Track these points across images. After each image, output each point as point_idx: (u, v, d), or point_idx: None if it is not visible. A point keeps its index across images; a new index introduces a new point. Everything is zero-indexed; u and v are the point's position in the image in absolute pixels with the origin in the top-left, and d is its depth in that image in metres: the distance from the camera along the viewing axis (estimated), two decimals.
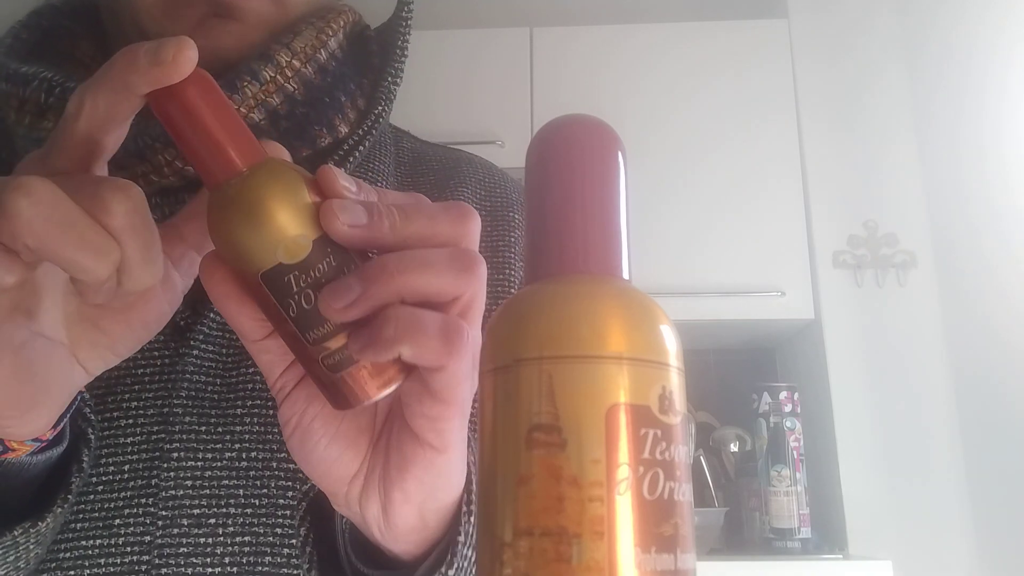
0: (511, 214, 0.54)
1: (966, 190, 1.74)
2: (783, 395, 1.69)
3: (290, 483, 0.40)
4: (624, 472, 0.18)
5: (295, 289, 0.27)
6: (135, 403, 0.41)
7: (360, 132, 0.49)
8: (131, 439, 0.40)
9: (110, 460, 0.40)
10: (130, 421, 0.41)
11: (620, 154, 0.23)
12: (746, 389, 1.79)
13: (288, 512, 0.40)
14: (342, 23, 0.48)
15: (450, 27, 2.04)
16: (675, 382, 0.19)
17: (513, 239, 0.52)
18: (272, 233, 0.27)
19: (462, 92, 1.94)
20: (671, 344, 0.20)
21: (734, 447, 1.85)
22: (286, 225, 0.27)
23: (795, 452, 1.65)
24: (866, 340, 1.78)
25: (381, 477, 0.31)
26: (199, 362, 0.42)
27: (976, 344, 1.70)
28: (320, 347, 0.28)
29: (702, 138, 1.89)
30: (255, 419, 0.41)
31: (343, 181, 0.28)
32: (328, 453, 0.31)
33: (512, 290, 0.50)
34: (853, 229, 1.84)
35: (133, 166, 0.41)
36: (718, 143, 1.88)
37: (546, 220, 0.22)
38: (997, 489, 1.64)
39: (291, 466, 0.40)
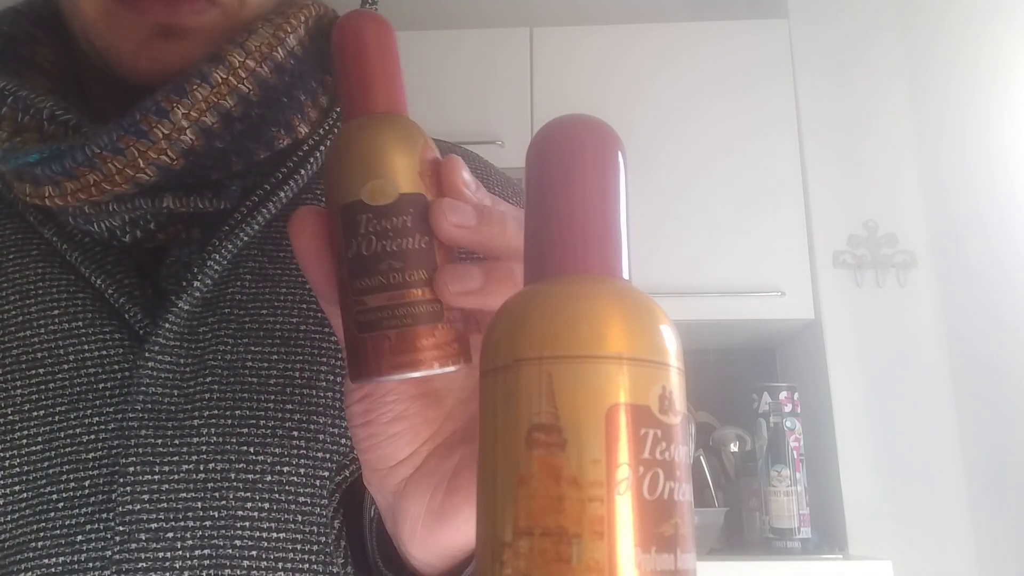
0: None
1: (966, 190, 1.74)
2: (783, 395, 1.69)
3: (248, 494, 0.39)
4: (624, 472, 0.18)
5: (361, 230, 0.28)
6: (96, 418, 0.40)
7: (321, 131, 0.48)
8: (92, 454, 0.40)
9: (71, 476, 0.39)
10: (91, 436, 0.40)
11: (620, 154, 0.22)
12: (746, 389, 1.79)
13: (247, 524, 0.39)
14: (303, 18, 0.46)
15: (450, 27, 2.04)
16: (675, 382, 0.19)
17: None
18: (365, 168, 0.28)
19: (462, 92, 1.94)
20: (671, 344, 0.20)
21: (734, 447, 1.85)
22: (381, 167, 0.28)
23: (795, 452, 1.65)
24: (866, 340, 1.78)
25: (447, 484, 0.31)
26: (155, 374, 0.41)
27: (976, 344, 1.70)
28: (359, 299, 0.28)
29: (702, 138, 1.89)
30: (212, 430, 0.40)
31: (464, 176, 0.29)
32: (386, 428, 0.31)
33: None
34: (853, 229, 1.85)
35: (84, 175, 0.41)
36: (718, 143, 1.88)
37: (546, 220, 0.22)
38: (996, 489, 1.64)
39: (249, 477, 0.39)
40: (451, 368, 0.28)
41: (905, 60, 1.94)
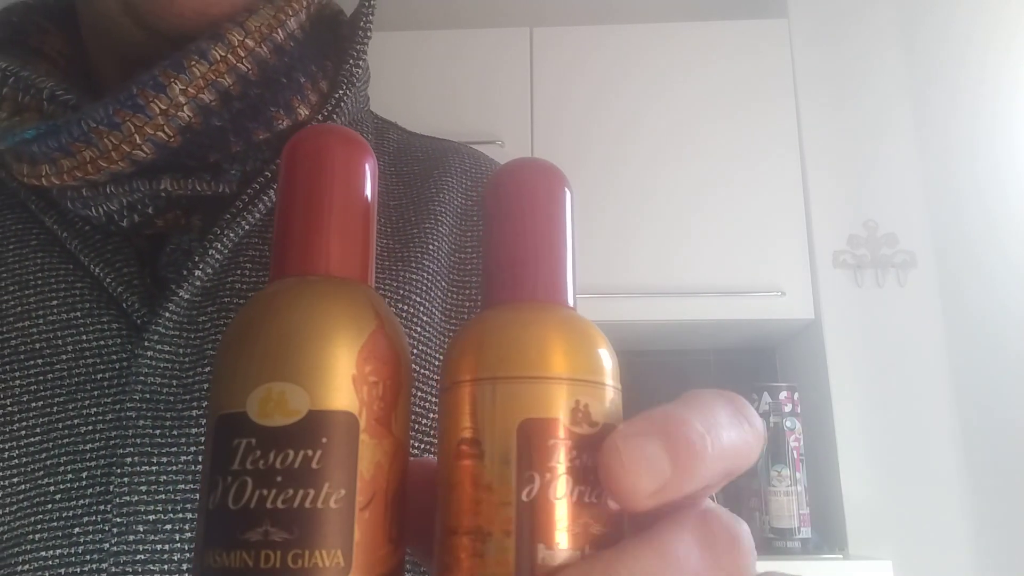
0: None
1: (966, 190, 1.74)
2: (783, 395, 1.69)
3: None
4: (531, 478, 0.19)
5: (235, 464, 0.18)
6: (95, 409, 0.40)
7: (321, 116, 0.47)
8: (90, 446, 0.39)
9: (68, 468, 0.39)
10: (89, 428, 0.39)
11: (567, 193, 0.24)
12: (746, 389, 1.79)
13: None
14: (305, 3, 0.47)
15: (450, 27, 2.04)
16: (594, 395, 0.21)
17: None
18: (266, 361, 0.19)
19: (462, 92, 1.94)
20: (593, 362, 0.21)
21: None
22: (292, 363, 0.19)
23: (795, 452, 1.65)
24: (866, 340, 1.78)
25: None
26: (154, 363, 0.40)
27: (976, 344, 1.70)
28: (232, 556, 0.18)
29: (702, 137, 1.89)
30: None
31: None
32: None
33: None
34: (853, 229, 1.84)
35: (79, 151, 0.40)
36: (718, 143, 1.88)
37: (492, 253, 0.24)
38: (997, 489, 1.64)
39: None
40: None
41: (905, 61, 1.94)
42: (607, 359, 0.22)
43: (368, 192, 0.23)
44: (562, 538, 0.19)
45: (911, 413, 1.74)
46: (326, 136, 0.23)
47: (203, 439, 0.39)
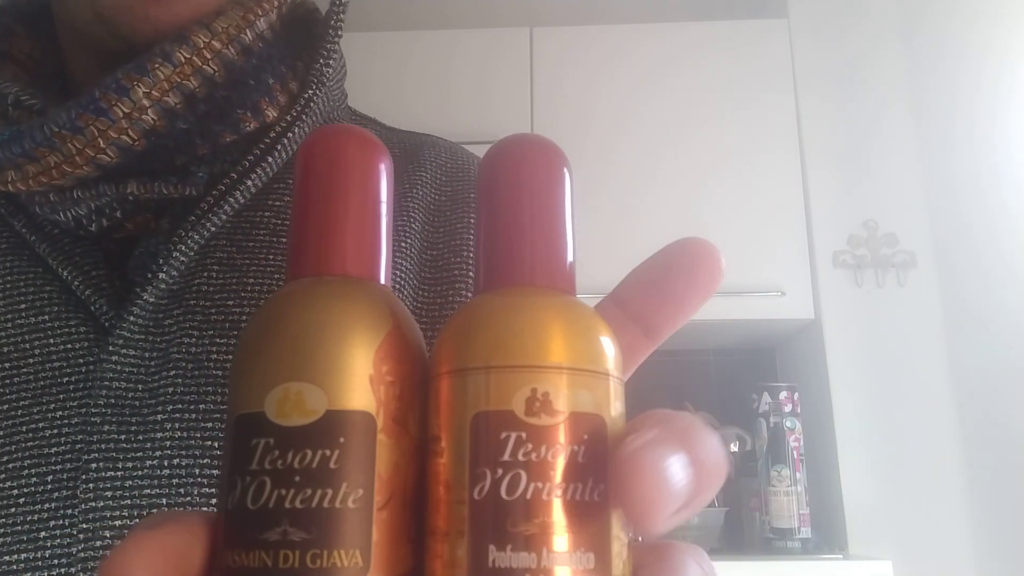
0: (473, 195, 0.51)
1: (966, 190, 1.74)
2: (783, 395, 1.69)
3: (213, 490, 0.38)
4: (483, 475, 0.18)
5: (253, 464, 0.18)
6: (60, 412, 0.39)
7: (289, 117, 0.47)
8: (55, 449, 0.39)
9: (33, 472, 0.38)
10: (55, 431, 0.39)
11: (566, 171, 0.23)
12: (746, 389, 1.79)
13: None
14: (276, 3, 0.46)
15: (450, 27, 2.04)
16: (557, 383, 0.19)
17: (473, 220, 0.50)
18: (283, 362, 0.19)
19: (462, 92, 1.94)
20: (560, 347, 0.20)
21: (734, 447, 1.85)
22: (309, 363, 0.19)
23: (795, 452, 1.65)
24: (866, 340, 1.78)
25: None
26: (119, 368, 0.40)
27: (976, 344, 1.70)
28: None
29: (702, 138, 1.89)
30: (176, 425, 0.39)
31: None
32: None
33: (469, 272, 0.49)
34: (853, 229, 1.85)
35: (43, 157, 0.40)
36: (718, 143, 1.88)
37: (486, 236, 0.22)
38: (997, 489, 1.64)
39: (214, 472, 0.38)
40: None
41: (906, 61, 1.94)
42: (590, 344, 0.20)
43: (383, 192, 0.23)
44: (514, 539, 0.18)
45: (911, 413, 1.74)
46: (342, 137, 0.23)
47: (168, 444, 0.39)
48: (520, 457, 0.18)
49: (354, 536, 0.18)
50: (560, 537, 0.18)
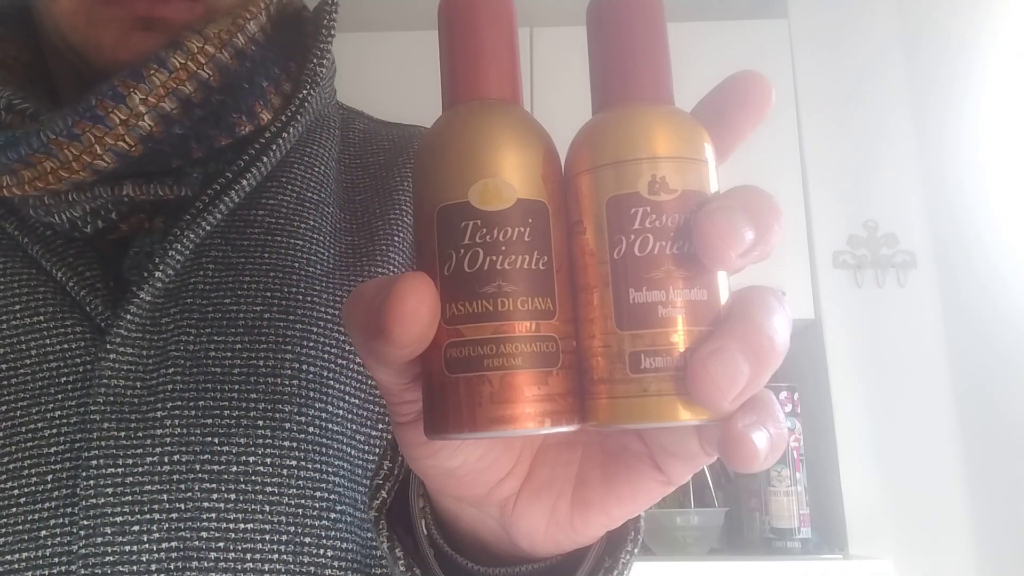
0: None
1: (966, 190, 1.74)
2: (783, 395, 1.69)
3: (214, 485, 0.39)
4: (620, 240, 0.24)
5: (465, 240, 0.23)
6: (58, 412, 0.40)
7: (284, 118, 0.47)
8: (54, 448, 0.39)
9: (33, 471, 0.39)
10: (54, 431, 0.39)
11: (662, 5, 0.27)
12: None
13: (213, 515, 0.38)
14: (263, 4, 0.46)
15: None
16: (671, 169, 0.24)
17: None
18: (476, 163, 0.24)
19: None
20: (669, 141, 0.25)
21: None
22: (496, 164, 0.24)
23: (795, 452, 1.65)
24: (866, 340, 1.78)
25: (572, 492, 0.29)
26: (117, 366, 0.40)
27: (976, 344, 1.70)
28: (452, 328, 0.23)
29: None
30: (176, 421, 0.39)
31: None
32: (476, 464, 0.28)
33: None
34: (853, 229, 1.84)
35: (39, 162, 0.40)
36: None
37: (598, 61, 0.28)
38: (997, 489, 1.64)
39: (214, 468, 0.39)
40: (564, 428, 0.23)
41: (905, 60, 1.94)
42: (692, 139, 0.25)
43: (516, 29, 0.28)
44: (648, 282, 0.23)
45: (911, 413, 1.74)
46: None
47: (168, 440, 0.39)
48: (647, 225, 0.24)
49: (546, 288, 0.24)
50: (679, 279, 0.24)
